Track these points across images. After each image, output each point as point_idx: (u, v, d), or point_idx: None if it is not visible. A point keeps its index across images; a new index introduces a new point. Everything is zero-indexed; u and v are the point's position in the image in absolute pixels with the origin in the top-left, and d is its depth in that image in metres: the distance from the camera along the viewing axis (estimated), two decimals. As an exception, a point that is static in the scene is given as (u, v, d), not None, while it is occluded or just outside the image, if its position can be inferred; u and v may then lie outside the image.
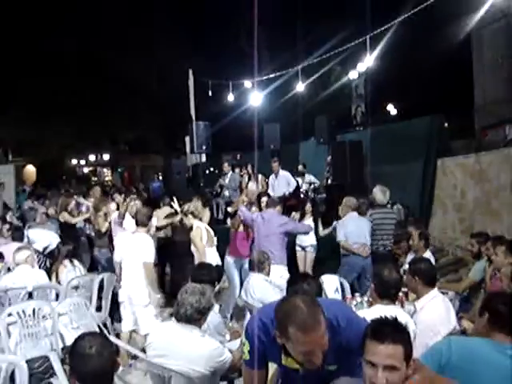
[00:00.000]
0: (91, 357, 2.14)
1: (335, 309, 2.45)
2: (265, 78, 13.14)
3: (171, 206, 7.78)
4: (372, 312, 3.19)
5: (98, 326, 5.07)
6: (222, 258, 6.74)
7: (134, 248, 5.36)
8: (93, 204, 8.58)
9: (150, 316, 5.28)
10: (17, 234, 7.30)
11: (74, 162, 36.43)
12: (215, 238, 6.54)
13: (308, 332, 2.10)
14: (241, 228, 6.85)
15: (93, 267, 7.70)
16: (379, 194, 7.15)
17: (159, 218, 7.44)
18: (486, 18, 14.17)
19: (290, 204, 8.83)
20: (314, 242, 7.66)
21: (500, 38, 15.52)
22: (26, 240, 7.49)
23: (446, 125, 12.98)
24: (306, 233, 7.09)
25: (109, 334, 5.09)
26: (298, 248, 7.75)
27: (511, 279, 4.05)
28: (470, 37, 17.00)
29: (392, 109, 24.54)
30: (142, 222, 5.54)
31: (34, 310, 4.70)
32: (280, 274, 5.65)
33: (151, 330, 3.41)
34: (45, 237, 7.85)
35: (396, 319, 2.15)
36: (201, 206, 7.00)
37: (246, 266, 6.28)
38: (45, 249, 7.42)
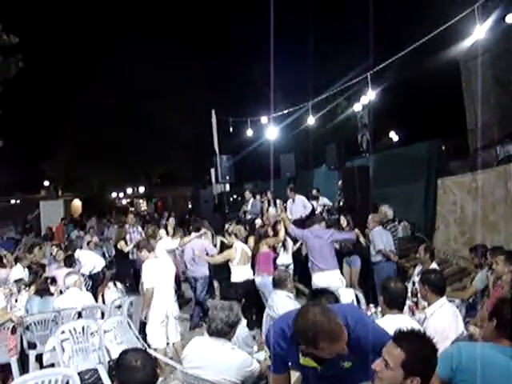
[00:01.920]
0: (136, 369, 2.14)
1: (345, 310, 2.44)
2: (279, 113, 13.22)
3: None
4: (382, 322, 3.12)
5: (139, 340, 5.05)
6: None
7: (166, 269, 5.50)
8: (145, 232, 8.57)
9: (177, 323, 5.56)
10: (68, 261, 7.37)
11: (114, 194, 36.84)
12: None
13: (338, 340, 2.12)
14: (264, 250, 6.77)
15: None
16: (389, 211, 7.45)
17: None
18: (471, 52, 14.21)
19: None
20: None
21: (486, 70, 15.49)
22: (77, 263, 7.56)
23: (444, 147, 12.86)
24: (351, 240, 7.02)
25: (148, 347, 5.06)
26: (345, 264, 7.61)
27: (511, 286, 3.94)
28: (459, 68, 17.01)
29: (394, 135, 24.48)
30: (152, 248, 5.64)
31: (83, 328, 4.76)
32: (337, 276, 6.05)
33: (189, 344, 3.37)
34: (91, 260, 7.96)
35: (417, 334, 2.08)
36: (243, 229, 7.19)
37: None
38: (90, 272, 7.50)
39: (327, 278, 5.86)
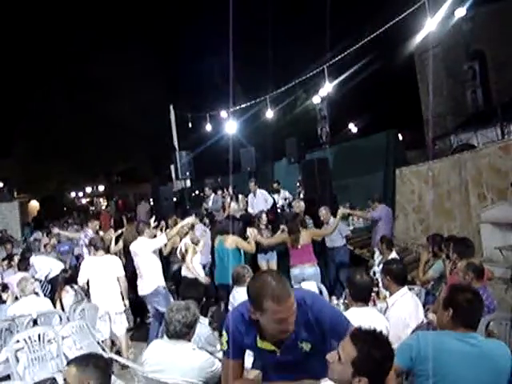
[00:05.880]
0: None
1: (303, 292, 2.47)
2: (238, 107, 13.13)
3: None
4: (348, 315, 3.11)
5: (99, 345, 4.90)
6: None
7: (107, 267, 5.78)
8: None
9: (124, 319, 5.90)
10: (22, 264, 7.07)
11: (73, 194, 35.94)
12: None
13: (282, 301, 2.08)
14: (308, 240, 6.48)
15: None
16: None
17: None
18: (424, 45, 14.55)
19: (270, 219, 8.73)
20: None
21: (438, 62, 15.91)
22: (31, 269, 7.26)
23: (401, 138, 13.14)
24: None
25: (110, 351, 4.92)
26: (261, 260, 7.52)
27: (465, 273, 4.04)
28: (414, 60, 17.43)
29: (353, 127, 24.85)
30: (100, 246, 6.00)
31: (39, 336, 4.56)
32: None
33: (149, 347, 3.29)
34: (46, 264, 7.63)
35: (375, 335, 2.01)
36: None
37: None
38: (46, 276, 7.21)
39: None
